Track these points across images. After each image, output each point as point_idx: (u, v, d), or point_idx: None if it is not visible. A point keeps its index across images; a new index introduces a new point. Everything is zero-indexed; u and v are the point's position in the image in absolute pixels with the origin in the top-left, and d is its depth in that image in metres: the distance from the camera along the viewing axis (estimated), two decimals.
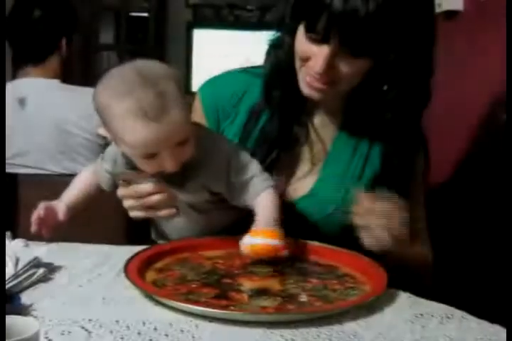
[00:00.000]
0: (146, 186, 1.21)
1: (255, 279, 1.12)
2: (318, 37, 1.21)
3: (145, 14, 4.85)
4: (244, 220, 1.23)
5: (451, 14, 2.12)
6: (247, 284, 1.10)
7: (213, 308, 0.97)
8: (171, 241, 1.34)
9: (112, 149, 1.30)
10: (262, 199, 1.24)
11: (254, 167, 1.27)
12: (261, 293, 1.06)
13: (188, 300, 1.01)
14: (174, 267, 1.18)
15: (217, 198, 1.28)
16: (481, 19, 2.00)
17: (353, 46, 1.19)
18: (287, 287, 1.09)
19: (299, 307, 1.01)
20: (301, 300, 1.04)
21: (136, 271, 1.11)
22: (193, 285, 1.09)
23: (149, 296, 1.03)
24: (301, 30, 1.25)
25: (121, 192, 1.25)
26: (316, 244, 1.27)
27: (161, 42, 4.69)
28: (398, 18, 1.19)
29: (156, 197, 1.22)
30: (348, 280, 1.13)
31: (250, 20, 4.83)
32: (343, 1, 1.15)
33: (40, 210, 1.28)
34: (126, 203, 1.25)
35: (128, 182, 1.24)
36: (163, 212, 1.23)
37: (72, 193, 1.35)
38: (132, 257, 1.16)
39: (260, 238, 1.11)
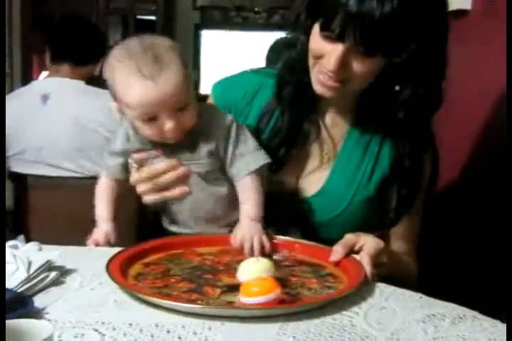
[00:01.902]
0: (159, 165, 1.26)
1: (236, 276, 1.11)
2: (333, 35, 1.22)
3: (152, 17, 4.86)
4: None
5: (459, 13, 2.12)
6: (226, 280, 1.11)
7: (178, 302, 0.99)
8: (167, 237, 1.35)
9: (123, 127, 1.32)
10: (246, 187, 1.27)
11: (250, 143, 1.30)
12: (234, 288, 1.06)
13: (158, 294, 1.03)
14: (163, 262, 1.20)
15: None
16: (489, 18, 1.99)
17: (367, 45, 1.21)
18: None
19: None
20: None
21: (119, 264, 1.13)
22: (172, 280, 1.11)
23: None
24: (315, 29, 1.27)
25: (134, 177, 1.29)
26: (307, 243, 1.27)
27: None
28: (412, 20, 1.20)
29: (169, 175, 1.26)
30: (329, 280, 1.13)
31: (258, 21, 4.84)
32: (358, 2, 1.17)
33: (97, 242, 1.30)
34: (140, 188, 1.28)
35: (140, 164, 1.27)
36: (177, 191, 1.27)
37: (107, 208, 1.35)
38: (122, 251, 1.19)
39: (251, 298, 1.02)
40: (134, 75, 1.18)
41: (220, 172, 1.30)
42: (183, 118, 1.22)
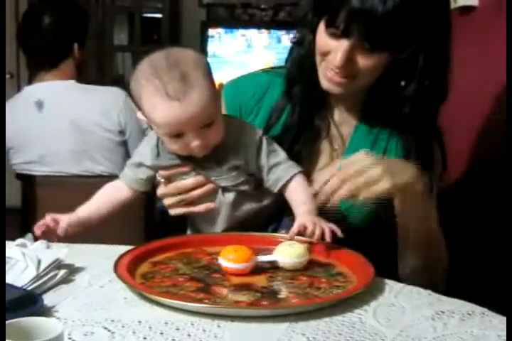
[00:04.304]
0: (187, 181, 1.28)
1: (245, 275, 1.12)
2: (338, 31, 1.25)
3: (158, 15, 4.85)
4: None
5: (466, 9, 2.11)
6: (234, 280, 1.11)
7: (185, 301, 0.99)
8: (176, 237, 1.35)
9: (151, 142, 1.32)
10: (292, 190, 1.28)
11: (281, 153, 1.31)
12: (242, 288, 1.07)
13: (165, 293, 1.03)
14: (171, 261, 1.20)
15: (252, 179, 1.31)
16: (496, 14, 1.99)
17: (372, 40, 1.23)
18: (272, 284, 1.10)
19: (271, 303, 1.02)
20: (279, 296, 1.05)
21: (128, 263, 1.13)
22: (180, 279, 1.11)
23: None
24: (321, 26, 1.29)
25: (161, 190, 1.31)
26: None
27: (176, 42, 4.69)
28: (415, 15, 1.22)
29: (196, 192, 1.28)
30: (339, 279, 1.12)
31: (264, 19, 4.83)
32: (360, 0, 1.19)
33: (46, 220, 1.29)
34: (167, 201, 1.31)
35: (168, 180, 1.29)
36: (202, 207, 1.29)
37: (87, 207, 1.34)
38: (131, 250, 1.20)
39: (227, 262, 1.12)
40: (160, 95, 1.17)
41: (247, 185, 1.31)
42: (209, 134, 1.22)
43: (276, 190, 1.30)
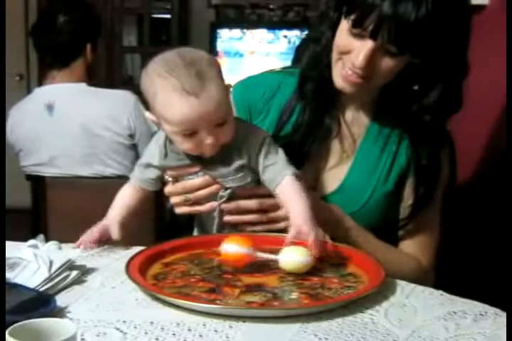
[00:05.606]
0: (194, 181, 1.29)
1: (256, 275, 1.12)
2: (365, 33, 1.23)
3: (167, 16, 4.86)
4: None
5: (477, 8, 2.10)
6: (246, 280, 1.11)
7: (197, 302, 0.99)
8: (188, 237, 1.36)
9: (159, 143, 1.32)
10: (285, 192, 1.25)
11: (280, 156, 1.29)
12: (253, 288, 1.07)
13: (177, 294, 1.04)
14: (182, 262, 1.20)
15: (259, 179, 1.30)
16: (504, 13, 1.98)
17: (400, 45, 1.22)
18: (283, 284, 1.10)
19: (282, 304, 1.02)
20: (291, 297, 1.05)
21: (139, 264, 1.13)
22: (192, 280, 1.11)
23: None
24: (343, 24, 1.27)
25: (168, 188, 1.32)
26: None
27: (185, 43, 4.70)
28: (445, 21, 1.22)
29: (203, 192, 1.29)
30: (350, 280, 1.12)
31: (273, 19, 4.83)
32: (393, 5, 1.18)
33: (95, 233, 1.29)
34: (174, 199, 1.32)
35: (175, 179, 1.30)
36: (207, 206, 1.30)
37: (119, 208, 1.34)
38: (142, 251, 1.20)
39: (231, 245, 1.12)
40: (177, 92, 1.17)
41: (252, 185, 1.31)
42: (222, 133, 1.22)
43: (272, 191, 1.28)
